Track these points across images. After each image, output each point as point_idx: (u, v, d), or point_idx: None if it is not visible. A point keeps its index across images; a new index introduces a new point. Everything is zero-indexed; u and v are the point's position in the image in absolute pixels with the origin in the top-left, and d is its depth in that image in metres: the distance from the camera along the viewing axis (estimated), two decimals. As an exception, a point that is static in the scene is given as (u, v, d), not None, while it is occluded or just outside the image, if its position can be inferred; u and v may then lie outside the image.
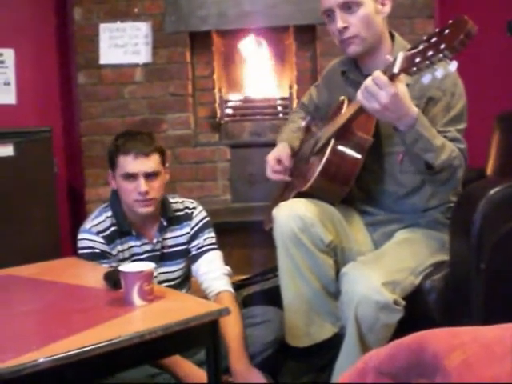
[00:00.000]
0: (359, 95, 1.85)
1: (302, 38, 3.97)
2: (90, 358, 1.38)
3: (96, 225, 2.21)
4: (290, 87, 3.96)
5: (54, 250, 3.41)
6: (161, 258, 2.28)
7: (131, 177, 2.16)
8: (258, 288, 2.55)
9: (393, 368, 1.00)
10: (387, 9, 2.12)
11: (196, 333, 1.60)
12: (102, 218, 2.23)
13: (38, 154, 3.50)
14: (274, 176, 2.38)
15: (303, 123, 2.46)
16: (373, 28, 2.08)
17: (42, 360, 1.32)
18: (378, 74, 1.79)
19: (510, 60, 3.66)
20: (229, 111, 4.04)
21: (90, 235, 2.20)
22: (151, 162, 2.18)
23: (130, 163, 2.16)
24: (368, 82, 1.81)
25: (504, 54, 3.67)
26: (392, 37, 2.17)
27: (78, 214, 3.99)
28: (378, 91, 1.78)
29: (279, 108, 4.04)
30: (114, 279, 1.75)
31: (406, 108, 1.82)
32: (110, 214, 2.25)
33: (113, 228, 2.23)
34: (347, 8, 2.05)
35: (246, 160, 3.93)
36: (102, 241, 2.19)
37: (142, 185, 2.15)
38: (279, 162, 2.37)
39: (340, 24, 2.05)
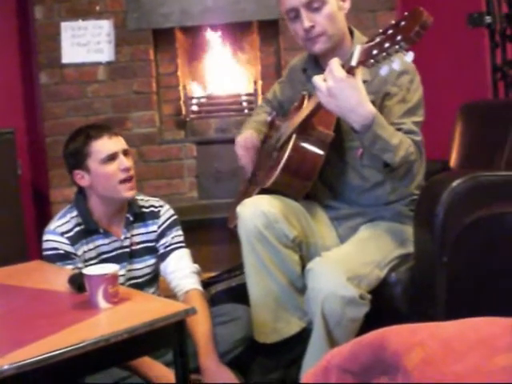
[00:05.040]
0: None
1: (266, 33, 3.98)
2: (55, 363, 1.37)
3: (60, 225, 2.20)
4: (255, 83, 3.97)
5: (20, 252, 3.38)
6: (130, 255, 2.27)
7: (111, 158, 2.18)
8: (225, 285, 2.55)
9: (355, 366, 1.00)
10: (347, 5, 2.14)
11: (162, 334, 1.59)
12: (66, 219, 2.22)
13: (1, 155, 3.46)
14: (243, 158, 2.38)
15: (269, 118, 2.46)
16: (337, 24, 2.10)
17: (6, 367, 1.30)
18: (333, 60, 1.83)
19: (471, 51, 3.69)
20: (194, 108, 4.02)
21: (54, 236, 2.18)
22: (123, 140, 2.25)
23: (108, 144, 2.19)
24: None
25: (464, 46, 3.71)
26: (351, 33, 2.18)
27: (43, 215, 3.95)
28: (326, 75, 1.81)
29: (244, 104, 4.04)
30: (78, 282, 1.73)
31: (356, 99, 1.82)
32: (74, 214, 2.23)
33: (78, 228, 2.21)
34: (312, 7, 2.06)
35: (212, 157, 3.93)
36: (67, 241, 2.18)
37: (124, 160, 2.20)
38: (248, 148, 2.37)
39: (307, 23, 2.06)
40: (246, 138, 2.38)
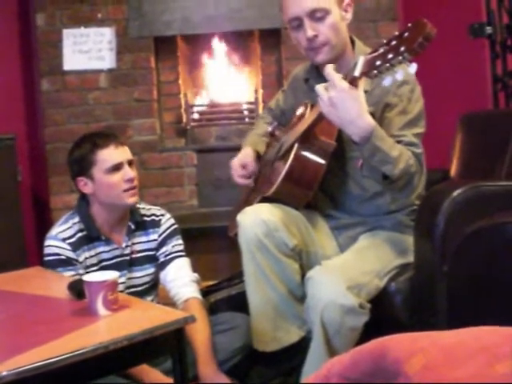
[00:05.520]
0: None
1: (267, 42, 3.99)
2: (54, 370, 1.36)
3: (62, 231, 2.19)
4: (256, 91, 3.98)
5: (19, 259, 3.37)
6: (130, 263, 2.27)
7: (116, 168, 2.18)
8: (224, 294, 2.54)
9: (356, 374, 1.00)
10: (349, 16, 2.14)
11: (161, 342, 1.59)
12: (68, 225, 2.21)
13: (2, 162, 3.46)
14: (239, 181, 2.38)
15: (269, 128, 2.46)
16: (340, 35, 2.10)
17: (5, 373, 1.30)
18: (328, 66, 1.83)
19: (472, 62, 3.71)
20: (195, 116, 4.03)
21: (55, 242, 2.17)
22: (128, 150, 2.25)
23: (113, 154, 2.18)
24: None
25: (466, 57, 3.72)
26: (352, 42, 2.18)
27: (43, 222, 3.95)
28: (329, 84, 1.81)
29: (245, 112, 4.05)
30: (77, 289, 1.73)
31: (357, 111, 1.81)
32: (76, 220, 2.23)
33: (79, 234, 2.20)
34: (315, 16, 2.05)
35: (212, 165, 3.93)
36: (68, 247, 2.17)
37: (129, 171, 2.20)
38: (244, 167, 2.37)
39: (310, 33, 2.05)
40: (240, 160, 2.38)
